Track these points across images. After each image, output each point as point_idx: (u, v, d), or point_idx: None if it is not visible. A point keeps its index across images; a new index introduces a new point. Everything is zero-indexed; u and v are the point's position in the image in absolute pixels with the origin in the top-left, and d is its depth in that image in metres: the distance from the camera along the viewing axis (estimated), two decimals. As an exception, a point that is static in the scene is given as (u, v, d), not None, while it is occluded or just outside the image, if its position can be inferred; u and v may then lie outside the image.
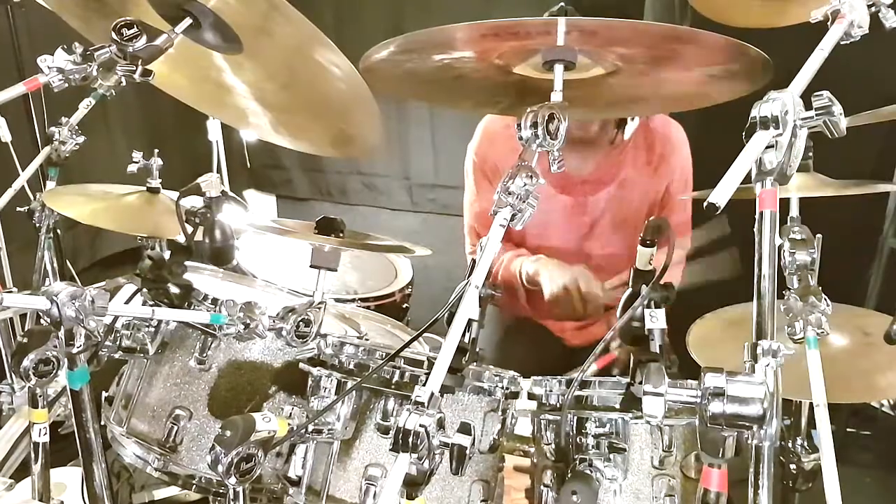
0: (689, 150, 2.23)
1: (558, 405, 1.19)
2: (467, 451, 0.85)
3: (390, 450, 0.82)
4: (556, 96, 1.07)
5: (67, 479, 1.99)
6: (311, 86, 1.38)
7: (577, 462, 1.13)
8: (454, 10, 3.26)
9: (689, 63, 1.20)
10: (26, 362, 1.02)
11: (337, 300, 2.26)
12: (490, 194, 2.32)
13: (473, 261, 0.98)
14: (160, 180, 2.06)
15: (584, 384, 1.18)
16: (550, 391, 1.22)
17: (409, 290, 2.59)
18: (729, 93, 1.26)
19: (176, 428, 1.35)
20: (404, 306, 2.55)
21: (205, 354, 1.37)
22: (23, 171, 1.93)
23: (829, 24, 1.01)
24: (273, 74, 1.39)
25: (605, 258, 2.24)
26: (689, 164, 2.23)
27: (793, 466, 1.72)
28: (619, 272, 2.11)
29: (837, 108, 0.89)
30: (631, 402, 1.15)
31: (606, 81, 1.24)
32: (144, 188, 2.05)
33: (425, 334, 1.18)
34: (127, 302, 1.42)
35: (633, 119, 2.11)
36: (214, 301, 1.37)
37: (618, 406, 1.17)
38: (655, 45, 1.16)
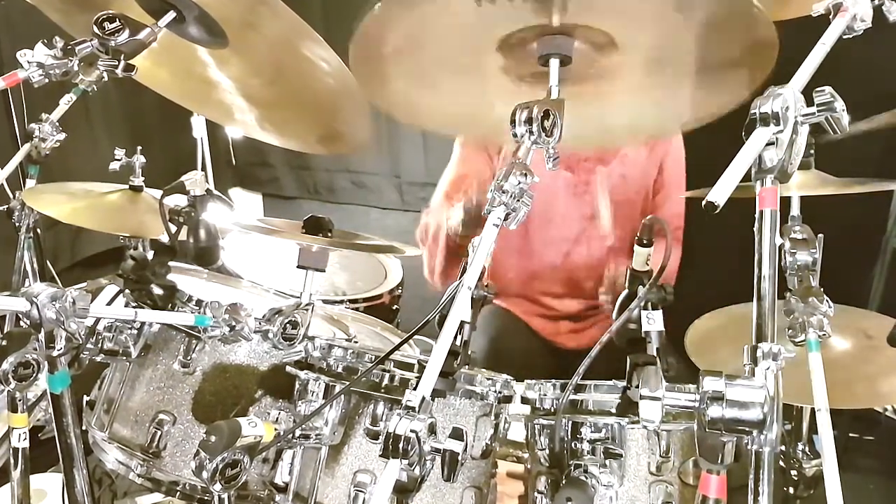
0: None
1: (553, 409, 1.18)
2: (459, 457, 0.84)
3: (380, 456, 0.80)
4: (553, 92, 1.05)
5: (48, 485, 1.98)
6: (298, 81, 1.37)
7: (572, 468, 1.12)
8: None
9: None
10: (5, 365, 1.01)
11: (325, 302, 2.24)
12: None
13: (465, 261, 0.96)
14: (143, 178, 2.07)
15: (579, 388, 1.17)
16: (545, 395, 1.21)
17: (400, 291, 2.58)
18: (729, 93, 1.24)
19: (159, 433, 1.33)
20: (394, 308, 2.54)
21: (189, 357, 1.36)
22: (1, 168, 1.90)
23: (831, 17, 1.00)
24: (259, 69, 1.38)
25: (605, 243, 2.22)
26: (680, 142, 2.24)
27: (794, 472, 1.72)
28: (619, 258, 2.08)
29: (840, 104, 0.88)
30: (627, 407, 1.13)
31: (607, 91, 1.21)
32: (127, 186, 2.06)
33: (416, 337, 1.16)
34: (109, 303, 1.42)
35: None
36: (199, 302, 1.36)
37: (614, 410, 1.15)
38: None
